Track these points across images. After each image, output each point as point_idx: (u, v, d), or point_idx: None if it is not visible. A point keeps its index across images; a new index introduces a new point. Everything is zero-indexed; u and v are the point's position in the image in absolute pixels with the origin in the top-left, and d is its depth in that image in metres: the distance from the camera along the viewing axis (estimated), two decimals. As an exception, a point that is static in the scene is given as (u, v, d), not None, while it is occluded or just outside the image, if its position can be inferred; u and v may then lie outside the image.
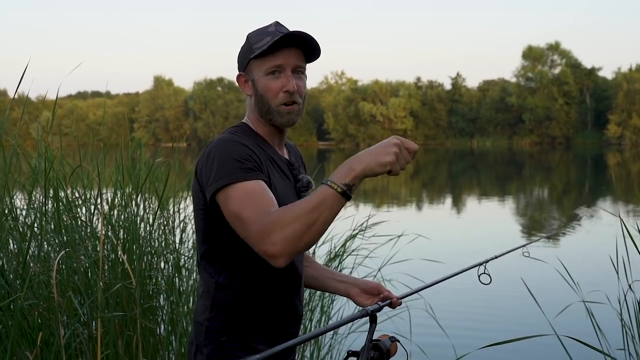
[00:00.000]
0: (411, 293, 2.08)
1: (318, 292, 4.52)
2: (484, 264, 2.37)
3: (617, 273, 3.61)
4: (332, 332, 4.71)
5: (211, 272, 1.85)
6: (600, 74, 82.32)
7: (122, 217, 4.01)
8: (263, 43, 1.83)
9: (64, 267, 3.44)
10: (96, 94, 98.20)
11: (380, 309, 1.85)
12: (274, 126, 1.91)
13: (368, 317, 1.78)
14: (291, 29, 1.86)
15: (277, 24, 1.88)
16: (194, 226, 1.91)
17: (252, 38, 1.88)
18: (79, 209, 4.11)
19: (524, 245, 2.65)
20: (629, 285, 3.58)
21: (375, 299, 2.02)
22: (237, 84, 1.96)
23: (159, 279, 4.03)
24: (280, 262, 1.58)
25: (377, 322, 1.83)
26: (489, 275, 2.34)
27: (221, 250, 1.84)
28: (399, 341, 1.93)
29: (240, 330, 1.83)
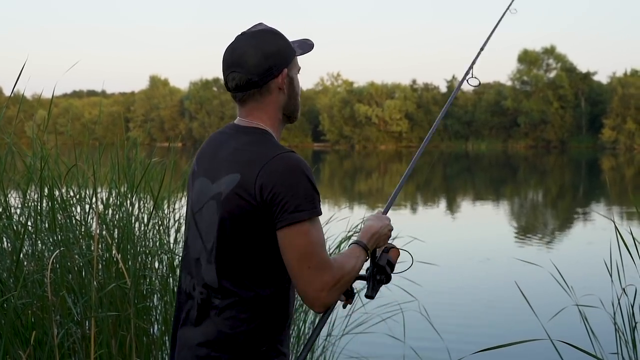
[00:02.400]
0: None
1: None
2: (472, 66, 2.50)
3: (611, 277, 3.62)
4: (325, 334, 4.71)
5: (253, 284, 1.81)
6: (595, 78, 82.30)
7: (117, 216, 4.01)
8: (294, 42, 1.94)
9: (58, 266, 3.44)
10: (92, 93, 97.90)
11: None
12: (285, 124, 1.97)
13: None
14: (286, 30, 1.93)
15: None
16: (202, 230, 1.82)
17: (283, 36, 1.91)
18: (73, 208, 4.10)
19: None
20: (623, 290, 3.59)
21: None
22: (279, 79, 1.87)
23: (153, 278, 4.03)
24: (319, 311, 1.84)
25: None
26: (478, 78, 2.46)
27: (270, 264, 1.81)
28: (394, 246, 2.03)
29: (276, 338, 1.84)
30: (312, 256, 1.76)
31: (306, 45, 1.96)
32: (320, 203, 1.82)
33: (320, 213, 1.79)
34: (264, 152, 1.79)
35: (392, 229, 2.05)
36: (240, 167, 1.79)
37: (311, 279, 1.76)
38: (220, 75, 1.94)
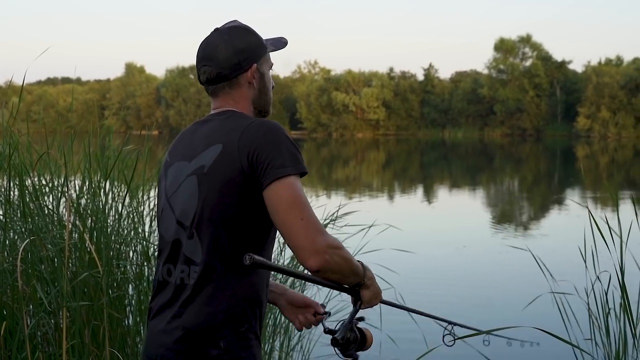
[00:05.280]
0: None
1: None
2: (452, 325, 2.37)
3: (585, 263, 3.64)
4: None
5: (234, 260, 1.79)
6: (571, 67, 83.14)
7: (90, 205, 3.95)
8: (268, 40, 2.01)
9: (29, 255, 3.38)
10: (66, 80, 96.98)
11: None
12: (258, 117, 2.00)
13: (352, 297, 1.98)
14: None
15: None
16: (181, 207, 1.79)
17: (255, 33, 1.98)
18: (45, 197, 4.04)
19: (489, 332, 2.56)
20: (597, 276, 3.62)
21: (302, 312, 2.11)
22: (248, 73, 1.93)
23: (127, 267, 3.98)
24: (314, 265, 1.70)
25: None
26: (454, 337, 2.32)
27: (249, 238, 1.80)
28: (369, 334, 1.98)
29: (253, 319, 1.83)
30: (303, 208, 1.72)
31: (279, 43, 2.04)
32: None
33: (306, 170, 1.79)
34: (243, 121, 1.85)
35: (377, 302, 2.07)
36: (220, 137, 1.84)
37: (305, 229, 1.70)
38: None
